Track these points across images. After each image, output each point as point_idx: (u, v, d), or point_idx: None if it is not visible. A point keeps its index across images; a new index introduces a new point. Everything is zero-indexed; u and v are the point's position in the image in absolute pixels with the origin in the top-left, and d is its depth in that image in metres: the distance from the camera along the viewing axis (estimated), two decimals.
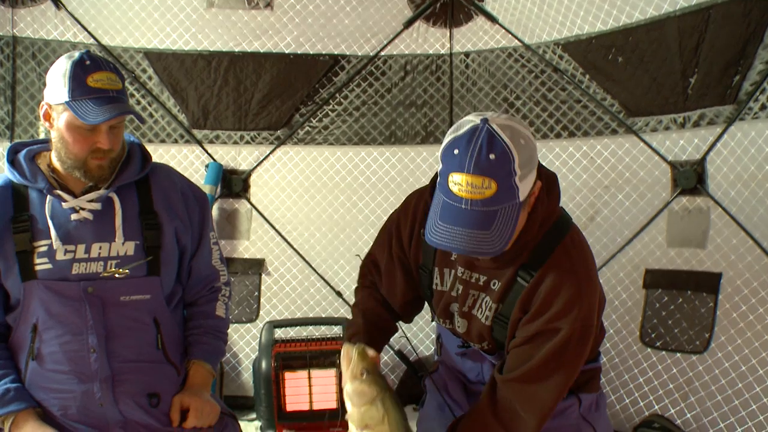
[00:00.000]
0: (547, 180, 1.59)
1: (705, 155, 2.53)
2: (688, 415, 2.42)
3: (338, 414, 2.71)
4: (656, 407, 2.51)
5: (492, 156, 1.38)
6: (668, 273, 2.58)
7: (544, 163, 2.75)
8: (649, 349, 2.58)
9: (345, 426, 2.72)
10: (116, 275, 1.81)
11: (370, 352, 1.64)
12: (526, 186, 1.45)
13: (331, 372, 2.73)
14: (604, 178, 2.78)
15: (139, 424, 1.87)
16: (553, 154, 2.86)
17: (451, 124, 2.98)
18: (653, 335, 2.57)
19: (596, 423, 1.83)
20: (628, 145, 2.74)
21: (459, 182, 1.41)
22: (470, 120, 1.44)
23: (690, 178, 2.56)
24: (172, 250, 1.92)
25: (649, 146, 2.68)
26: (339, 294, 3.02)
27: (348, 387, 1.56)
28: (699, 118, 2.55)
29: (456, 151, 1.41)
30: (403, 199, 1.81)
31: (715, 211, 2.51)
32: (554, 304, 1.57)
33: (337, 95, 3.15)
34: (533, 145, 1.46)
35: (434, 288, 1.80)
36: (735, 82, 2.45)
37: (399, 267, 1.80)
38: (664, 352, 2.53)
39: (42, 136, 2.87)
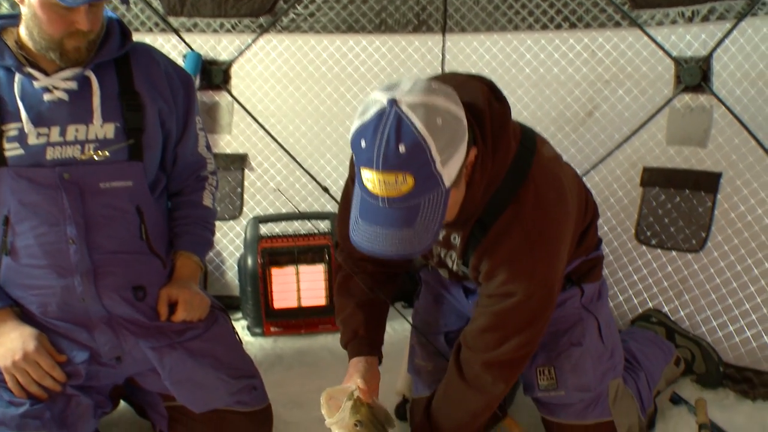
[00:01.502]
0: (494, 126, 1.41)
1: (712, 52, 2.42)
2: (682, 313, 2.41)
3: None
4: (650, 304, 2.50)
5: (402, 148, 1.20)
6: (667, 171, 2.52)
7: (542, 56, 2.70)
8: (644, 247, 2.54)
9: (334, 323, 2.71)
10: (95, 158, 1.69)
11: (361, 385, 1.57)
12: (452, 167, 1.28)
13: (320, 268, 2.68)
14: (605, 72, 2.66)
15: (124, 320, 1.81)
16: (553, 45, 2.73)
17: (445, 12, 2.84)
18: (649, 233, 2.53)
19: (598, 312, 1.81)
20: (632, 38, 2.61)
21: (371, 179, 1.24)
22: (377, 100, 1.24)
23: (694, 75, 2.46)
24: (156, 134, 1.81)
25: (654, 41, 2.56)
26: (326, 189, 2.93)
27: None
28: (708, 12, 2.42)
29: (363, 143, 1.23)
30: None
31: (718, 110, 2.42)
32: (503, 270, 1.47)
33: None
34: (456, 119, 1.27)
35: None
36: None
37: None
38: (659, 250, 2.50)
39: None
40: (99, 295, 1.76)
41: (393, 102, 1.22)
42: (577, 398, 1.75)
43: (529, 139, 1.54)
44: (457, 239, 1.57)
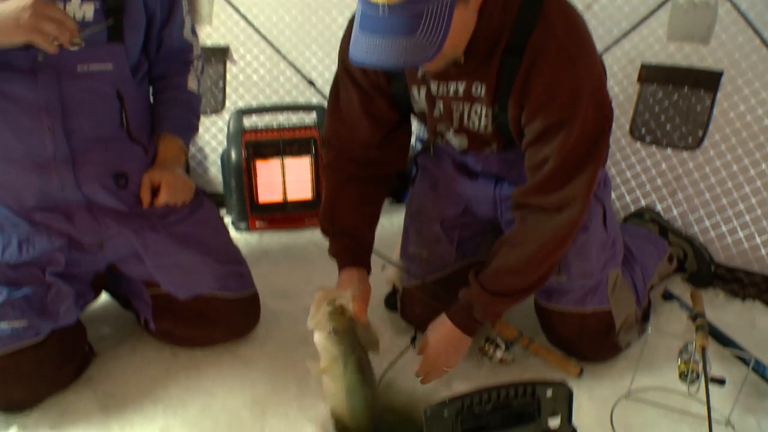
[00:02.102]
0: None
1: None
2: (675, 212, 2.39)
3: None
4: (643, 203, 2.48)
5: None
6: (666, 68, 2.43)
7: None
8: (638, 144, 2.48)
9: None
10: (70, 48, 1.56)
11: (355, 296, 1.50)
12: None
13: (306, 160, 2.60)
14: None
15: (105, 207, 1.73)
16: None
17: None
18: (644, 130, 2.47)
19: (605, 200, 1.76)
20: None
21: None
22: None
23: None
24: (139, 16, 1.69)
25: None
26: (311, 83, 2.82)
27: (315, 336, 1.49)
28: None
29: None
30: None
31: (723, 5, 2.32)
32: (550, 94, 1.39)
33: None
34: None
35: (413, 108, 1.65)
36: None
37: (374, 91, 1.61)
38: (654, 147, 2.45)
39: None
40: (78, 183, 1.69)
41: None
42: (578, 284, 1.72)
43: None
44: (481, 88, 1.49)
